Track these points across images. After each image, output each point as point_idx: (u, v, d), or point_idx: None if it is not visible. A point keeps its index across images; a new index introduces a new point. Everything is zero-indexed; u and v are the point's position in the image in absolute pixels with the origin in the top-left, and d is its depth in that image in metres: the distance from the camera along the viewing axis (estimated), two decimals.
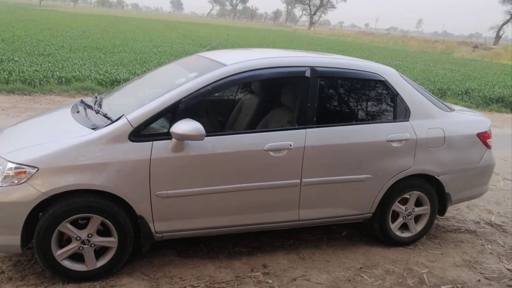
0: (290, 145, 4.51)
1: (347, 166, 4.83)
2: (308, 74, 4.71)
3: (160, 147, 4.09)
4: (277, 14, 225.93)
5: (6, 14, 45.01)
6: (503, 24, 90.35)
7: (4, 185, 3.84)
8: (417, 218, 5.51)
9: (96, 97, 5.30)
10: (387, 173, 5.01)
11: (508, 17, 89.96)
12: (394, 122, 5.05)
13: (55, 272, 4.14)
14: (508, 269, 5.17)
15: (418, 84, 6.12)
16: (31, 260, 4.49)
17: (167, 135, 4.10)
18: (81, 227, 4.11)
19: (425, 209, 5.44)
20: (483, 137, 5.53)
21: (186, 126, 3.99)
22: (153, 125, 4.14)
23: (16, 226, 3.91)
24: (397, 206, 5.28)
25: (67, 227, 4.01)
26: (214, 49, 6.44)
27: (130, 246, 4.29)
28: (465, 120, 5.61)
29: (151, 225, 4.27)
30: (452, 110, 5.63)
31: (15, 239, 3.95)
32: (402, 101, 5.09)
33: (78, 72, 14.67)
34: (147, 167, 4.06)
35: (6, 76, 13.12)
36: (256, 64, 4.60)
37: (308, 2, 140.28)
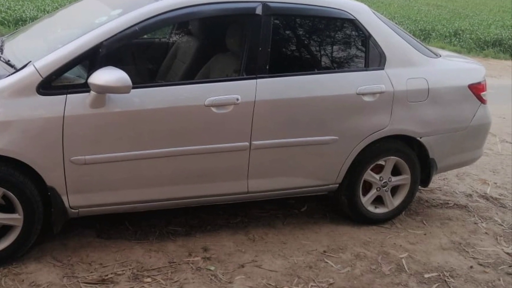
0: (237, 99, 4.85)
1: (308, 125, 5.20)
2: (259, 11, 5.00)
3: (76, 102, 4.37)
4: None
5: None
6: None
7: None
8: (395, 190, 5.93)
9: None
10: (357, 134, 5.40)
11: None
12: (366, 70, 5.44)
13: None
14: (507, 253, 5.57)
15: (396, 23, 6.48)
16: None
17: (85, 87, 4.35)
18: None
19: (405, 178, 5.85)
20: (476, 90, 5.91)
21: (107, 75, 4.23)
22: (67, 74, 4.40)
23: None
24: (369, 175, 5.69)
25: None
26: None
27: (38, 224, 4.58)
28: (454, 68, 6.07)
29: (64, 198, 4.58)
30: (437, 56, 6.02)
31: None
32: (376, 45, 5.46)
33: None
34: (60, 126, 4.34)
35: None
36: None
37: None
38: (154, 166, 4.78)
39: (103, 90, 4.31)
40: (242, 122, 4.95)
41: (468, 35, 19.50)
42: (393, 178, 5.82)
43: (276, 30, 5.20)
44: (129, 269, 4.72)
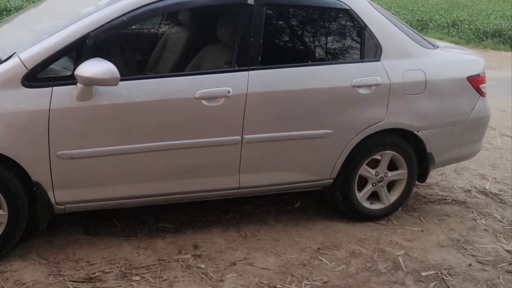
0: (228, 92, 4.89)
1: (301, 118, 5.25)
2: (251, 0, 5.03)
3: (62, 94, 4.41)
4: None
5: None
6: None
7: None
8: (391, 186, 5.98)
9: None
10: (352, 127, 5.45)
11: None
12: (362, 62, 5.51)
13: None
14: (507, 250, 5.61)
15: (392, 14, 6.52)
16: None
17: (71, 79, 4.39)
18: None
19: (401, 173, 5.90)
20: (475, 82, 5.96)
21: (95, 67, 4.27)
22: (53, 66, 4.44)
23: None
24: (365, 170, 5.74)
25: None
26: None
27: (23, 221, 4.62)
28: (452, 59, 6.14)
29: (50, 194, 4.62)
30: (435, 47, 6.09)
31: None
32: (372, 36, 5.52)
33: None
34: (46, 119, 4.39)
35: None
36: None
37: None
38: (143, 160, 4.82)
39: (90, 82, 4.34)
40: (233, 115, 4.99)
41: (466, 26, 19.59)
42: (390, 173, 5.87)
43: (268, 20, 5.24)
44: (117, 267, 4.75)
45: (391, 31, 5.64)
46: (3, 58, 4.45)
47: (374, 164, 5.80)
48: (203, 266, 4.90)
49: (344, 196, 5.76)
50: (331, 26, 5.62)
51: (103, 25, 4.54)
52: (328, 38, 5.61)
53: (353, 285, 4.84)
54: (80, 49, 4.47)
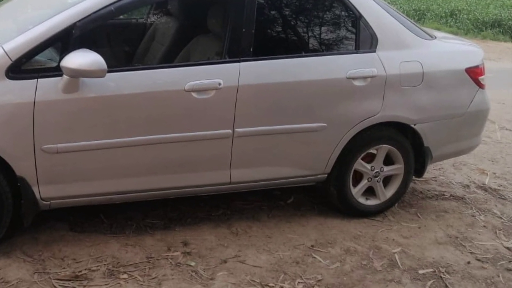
0: (219, 84, 4.91)
1: (295, 111, 5.27)
2: None
3: (48, 87, 4.42)
4: None
5: None
6: None
7: None
8: (387, 181, 5.99)
9: None
10: (347, 120, 5.46)
11: None
12: (357, 53, 5.52)
13: None
14: (507, 248, 5.63)
15: (388, 3, 6.52)
16: None
17: (57, 71, 4.39)
18: None
19: (398, 168, 5.93)
20: (474, 73, 5.98)
21: (81, 58, 4.28)
22: (38, 57, 4.45)
23: None
24: (360, 165, 5.75)
25: None
26: None
27: (7, 217, 4.63)
28: (450, 50, 6.17)
29: (35, 189, 4.63)
30: (432, 37, 6.11)
31: None
32: (367, 26, 5.52)
33: None
34: (30, 112, 4.39)
35: None
36: None
37: None
38: (131, 155, 4.84)
39: (77, 74, 4.34)
40: (224, 108, 5.00)
41: (465, 16, 19.60)
42: (386, 168, 5.88)
43: (260, 10, 5.26)
44: (104, 264, 4.77)
45: (387, 21, 5.64)
46: None
47: (370, 158, 5.80)
48: (193, 263, 4.91)
49: (338, 192, 5.77)
50: (325, 16, 5.64)
51: (89, 15, 4.53)
52: (322, 28, 5.62)
53: (348, 283, 4.86)
54: (66, 39, 4.47)
